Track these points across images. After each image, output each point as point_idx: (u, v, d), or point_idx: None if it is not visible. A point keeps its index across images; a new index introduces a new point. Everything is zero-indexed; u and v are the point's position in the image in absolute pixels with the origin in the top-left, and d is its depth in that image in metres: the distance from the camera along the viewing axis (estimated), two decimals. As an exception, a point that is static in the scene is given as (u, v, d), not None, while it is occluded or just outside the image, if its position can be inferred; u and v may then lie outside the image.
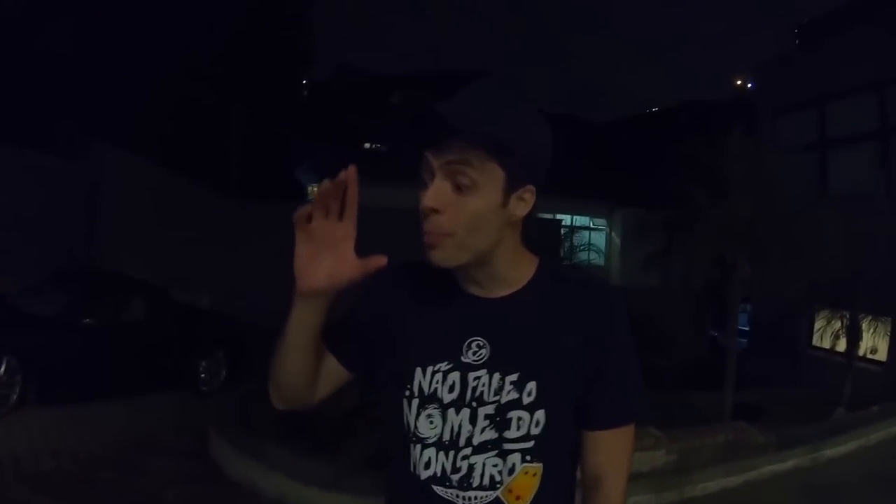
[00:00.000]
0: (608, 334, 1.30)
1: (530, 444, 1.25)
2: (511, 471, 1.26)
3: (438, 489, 1.27)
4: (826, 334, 10.55)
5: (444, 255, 1.22)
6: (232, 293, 11.32)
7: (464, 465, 1.26)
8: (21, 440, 5.95)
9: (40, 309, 7.29)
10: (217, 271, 11.87)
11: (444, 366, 1.29)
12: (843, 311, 10.09)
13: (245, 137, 17.22)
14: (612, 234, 22.27)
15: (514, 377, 1.26)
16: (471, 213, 1.19)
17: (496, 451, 1.26)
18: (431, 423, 1.29)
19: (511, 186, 1.22)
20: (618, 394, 1.31)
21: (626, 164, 28.85)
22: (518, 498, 1.26)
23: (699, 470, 5.65)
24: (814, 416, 8.34)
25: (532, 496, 1.27)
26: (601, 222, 22.72)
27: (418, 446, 1.29)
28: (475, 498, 1.26)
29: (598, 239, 21.65)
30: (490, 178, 1.19)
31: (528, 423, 1.25)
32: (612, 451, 1.32)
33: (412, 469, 1.30)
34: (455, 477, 1.27)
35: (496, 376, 1.26)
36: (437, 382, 1.29)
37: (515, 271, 1.32)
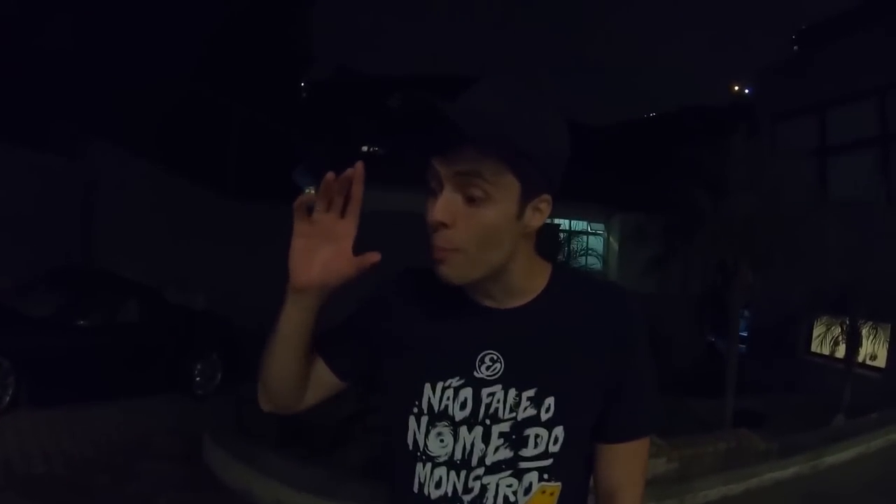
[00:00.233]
0: (628, 344, 1.23)
1: (548, 462, 1.19)
2: (527, 490, 1.19)
3: None
4: (825, 340, 10.53)
5: (455, 272, 1.14)
6: (228, 294, 11.25)
7: (476, 485, 1.19)
8: (13, 443, 5.88)
9: (33, 309, 7.23)
10: (213, 272, 11.81)
11: (455, 381, 1.22)
12: (842, 318, 10.07)
13: (243, 138, 17.18)
14: (610, 238, 22.26)
15: (531, 392, 1.19)
16: (483, 227, 1.11)
17: (511, 471, 1.19)
18: (442, 441, 1.22)
19: (526, 196, 1.14)
20: (637, 405, 1.25)
21: (625, 168, 28.85)
22: None
23: (700, 478, 5.64)
24: (813, 423, 8.34)
25: None
26: (599, 227, 22.72)
27: (428, 465, 1.23)
28: None
29: (596, 244, 21.63)
30: (504, 189, 1.11)
31: (546, 440, 1.18)
32: (628, 465, 1.26)
33: (420, 489, 1.23)
34: (467, 498, 1.20)
35: (512, 392, 1.19)
36: (447, 399, 1.22)
37: (529, 281, 1.25)
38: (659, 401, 1.29)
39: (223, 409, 6.83)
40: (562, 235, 15.71)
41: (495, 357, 1.21)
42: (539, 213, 1.18)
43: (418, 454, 1.24)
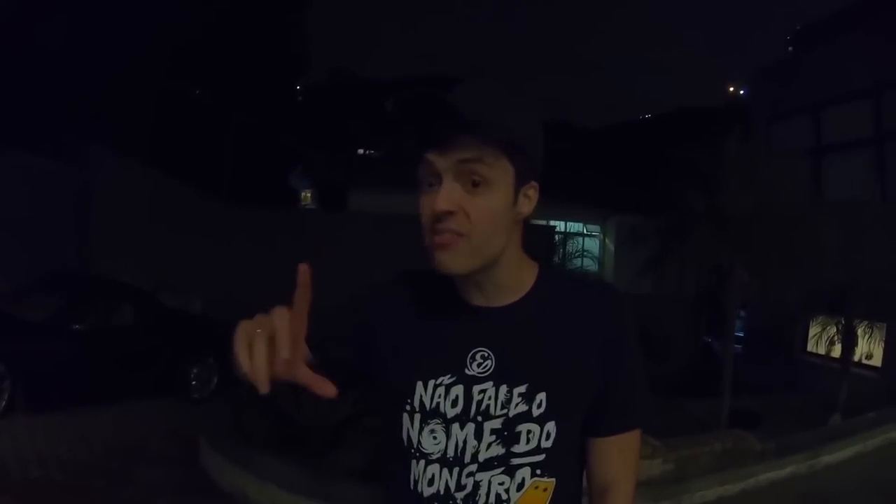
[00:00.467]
0: (616, 338, 1.26)
1: (541, 457, 1.20)
2: (520, 486, 1.20)
3: None
4: (821, 340, 10.56)
5: (459, 261, 1.16)
6: (224, 298, 11.23)
7: (469, 482, 1.21)
8: (8, 447, 5.85)
9: (29, 314, 7.21)
10: (209, 275, 11.80)
11: (446, 379, 1.23)
12: (838, 317, 10.09)
13: (239, 141, 17.19)
14: (606, 240, 22.27)
15: (522, 388, 1.20)
16: (486, 211, 1.14)
17: (503, 468, 1.20)
18: (435, 438, 1.23)
19: (519, 183, 1.18)
20: (627, 398, 1.28)
21: (620, 170, 28.93)
22: None
23: (696, 478, 5.63)
24: (810, 423, 8.36)
25: None
26: (595, 229, 22.73)
27: (421, 462, 1.24)
28: None
29: (592, 245, 21.64)
30: (502, 175, 1.15)
31: (538, 436, 1.20)
32: (620, 458, 1.28)
33: (414, 486, 1.24)
34: (460, 495, 1.21)
35: (503, 388, 1.21)
36: (439, 397, 1.23)
37: (518, 278, 1.28)
38: (649, 394, 1.31)
39: (219, 412, 6.83)
40: (557, 237, 15.68)
41: (486, 354, 1.23)
42: (528, 200, 1.22)
43: (412, 451, 1.25)
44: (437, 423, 1.22)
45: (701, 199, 7.93)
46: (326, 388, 1.01)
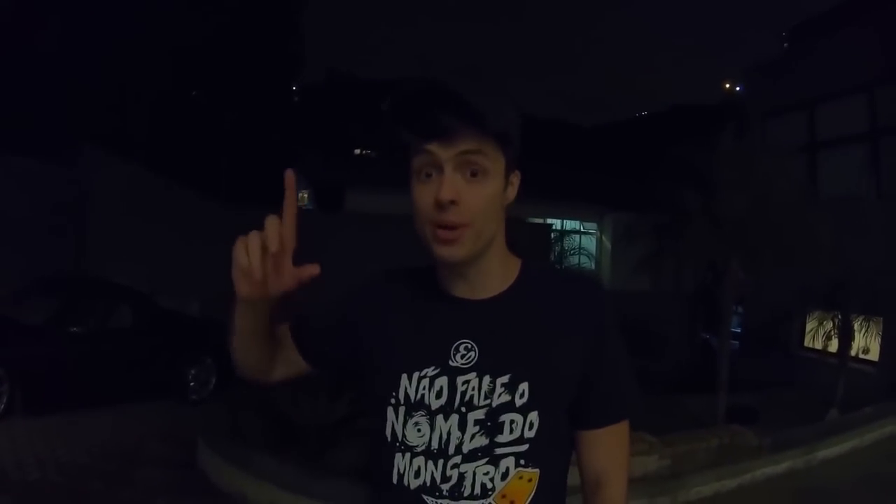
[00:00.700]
0: (599, 330, 1.28)
1: (524, 447, 1.22)
2: (504, 476, 1.22)
3: (429, 499, 1.23)
4: (818, 335, 10.55)
5: (465, 249, 1.20)
6: (221, 299, 11.23)
7: (454, 473, 1.22)
8: (7, 450, 5.88)
9: (26, 317, 7.22)
10: (206, 277, 11.80)
11: (430, 371, 1.25)
12: (834, 312, 10.10)
13: (235, 143, 17.20)
14: (603, 238, 22.30)
15: (504, 379, 1.22)
16: (486, 199, 1.19)
17: (487, 459, 1.22)
18: (419, 430, 1.25)
19: (508, 171, 1.24)
20: (613, 390, 1.30)
21: (617, 168, 28.94)
22: (512, 503, 1.22)
23: (693, 474, 5.64)
24: (808, 418, 8.36)
25: (527, 501, 1.23)
26: (592, 226, 22.77)
27: (407, 455, 1.25)
28: None
29: (589, 243, 21.69)
30: (497, 164, 1.21)
31: (521, 425, 1.22)
32: (611, 450, 1.30)
33: (400, 479, 1.26)
34: (445, 486, 1.22)
35: (486, 379, 1.23)
36: (423, 389, 1.25)
37: (503, 271, 1.31)
38: (635, 385, 1.33)
39: (217, 414, 6.84)
40: (554, 235, 15.70)
41: (469, 346, 1.25)
42: (513, 187, 1.28)
43: (397, 444, 1.26)
44: (422, 416, 1.24)
45: (696, 197, 7.94)
46: (309, 269, 1.16)
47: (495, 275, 1.29)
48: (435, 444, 1.23)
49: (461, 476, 1.22)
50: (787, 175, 8.16)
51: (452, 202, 1.16)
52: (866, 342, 10.79)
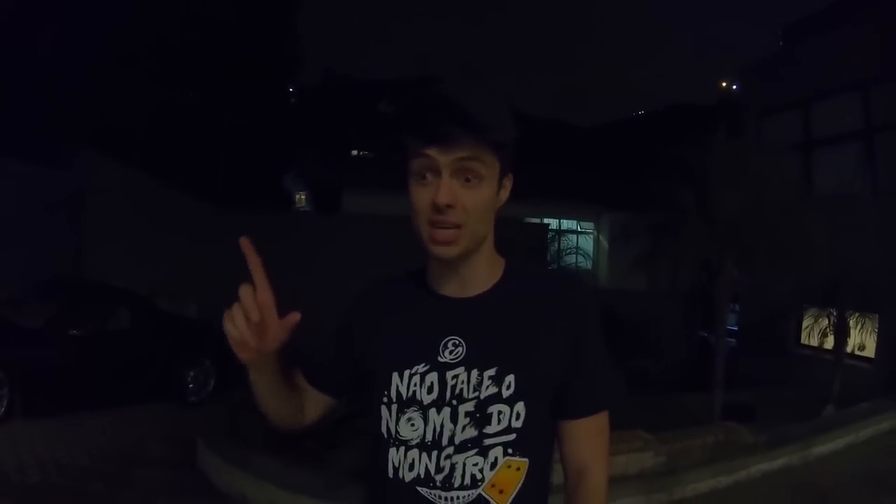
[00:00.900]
0: (579, 324, 1.34)
1: (511, 437, 1.28)
2: (493, 465, 1.27)
3: (423, 490, 1.29)
4: (814, 332, 10.58)
5: (460, 248, 1.27)
6: (219, 301, 11.24)
7: (447, 464, 1.28)
8: (7, 452, 5.90)
9: (25, 320, 7.25)
10: (204, 279, 11.82)
11: (421, 368, 1.31)
12: (830, 309, 10.13)
13: (232, 145, 17.17)
14: (600, 237, 22.31)
15: (491, 372, 1.28)
16: (480, 202, 1.26)
17: (476, 450, 1.27)
18: (413, 425, 1.30)
19: (502, 175, 1.30)
20: (593, 380, 1.36)
21: (614, 167, 28.91)
22: (501, 492, 1.28)
23: (689, 471, 5.67)
24: (804, 415, 8.38)
25: (516, 490, 1.29)
26: (589, 226, 22.76)
27: (401, 449, 1.31)
28: (457, 498, 1.27)
29: (586, 243, 21.69)
30: (492, 170, 1.27)
31: (508, 416, 1.28)
32: (591, 440, 1.36)
33: (395, 472, 1.31)
34: (438, 477, 1.28)
35: (474, 372, 1.29)
36: (415, 385, 1.31)
37: (489, 270, 1.37)
38: (613, 377, 1.39)
39: (216, 415, 6.87)
40: (551, 235, 15.72)
41: (457, 342, 1.31)
42: (505, 190, 1.34)
43: (391, 440, 1.32)
44: (415, 411, 1.30)
45: (688, 196, 7.97)
46: (293, 318, 1.23)
47: (482, 273, 1.36)
48: (429, 437, 1.29)
49: (453, 467, 1.27)
50: (782, 173, 8.17)
51: (449, 206, 1.23)
52: (862, 339, 10.80)
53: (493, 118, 1.23)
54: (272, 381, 1.33)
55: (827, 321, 10.11)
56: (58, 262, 9.88)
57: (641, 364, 10.53)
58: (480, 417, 1.27)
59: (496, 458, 1.27)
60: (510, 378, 1.28)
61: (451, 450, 1.28)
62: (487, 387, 1.28)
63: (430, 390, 1.30)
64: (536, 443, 1.31)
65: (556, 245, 15.42)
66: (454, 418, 1.28)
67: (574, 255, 16.34)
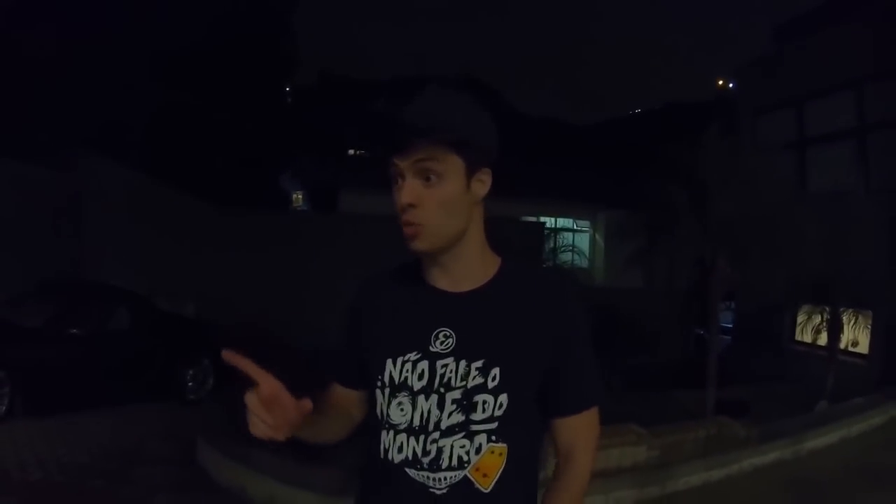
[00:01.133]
0: (565, 326, 1.42)
1: (494, 425, 1.36)
2: (478, 450, 1.36)
3: (410, 472, 1.38)
4: (808, 329, 10.65)
5: (425, 243, 1.36)
6: (218, 301, 11.32)
7: (433, 448, 1.37)
8: (8, 451, 5.94)
9: (26, 320, 7.28)
10: (202, 279, 11.87)
11: (413, 356, 1.40)
12: (823, 306, 10.19)
13: (229, 145, 17.20)
14: (597, 235, 22.35)
15: (479, 363, 1.37)
16: (441, 200, 1.35)
17: (463, 433, 1.36)
18: (402, 409, 1.39)
19: (470, 171, 1.37)
20: (579, 381, 1.44)
21: (610, 166, 28.94)
22: (485, 476, 1.37)
23: (681, 465, 5.73)
24: (798, 411, 8.42)
25: (498, 474, 1.37)
26: (585, 224, 22.80)
27: (391, 432, 1.40)
28: (445, 479, 1.36)
29: (582, 241, 21.71)
30: (452, 167, 1.35)
31: (492, 405, 1.36)
32: (580, 432, 1.46)
33: (385, 454, 1.41)
34: (426, 460, 1.37)
35: (462, 363, 1.38)
36: (406, 371, 1.40)
37: (482, 267, 1.46)
38: (598, 376, 1.48)
39: (216, 413, 6.93)
40: (547, 233, 15.74)
41: (448, 333, 1.40)
42: (481, 184, 1.42)
43: (382, 423, 1.42)
44: (405, 396, 1.39)
45: (682, 195, 8.02)
46: (306, 405, 1.29)
47: (474, 270, 1.44)
48: (416, 422, 1.38)
49: (440, 450, 1.36)
50: (775, 171, 8.24)
51: (411, 205, 1.34)
52: (855, 335, 10.88)
53: (443, 120, 1.31)
54: (311, 426, 1.41)
55: (821, 318, 10.18)
56: (58, 263, 9.92)
57: (637, 361, 10.59)
58: (467, 405, 1.36)
59: (480, 444, 1.36)
60: (496, 370, 1.36)
61: (437, 434, 1.37)
62: (474, 377, 1.37)
63: (420, 377, 1.39)
64: (517, 430, 1.39)
65: (553, 243, 15.39)
66: (441, 405, 1.37)
67: (570, 254, 16.32)
